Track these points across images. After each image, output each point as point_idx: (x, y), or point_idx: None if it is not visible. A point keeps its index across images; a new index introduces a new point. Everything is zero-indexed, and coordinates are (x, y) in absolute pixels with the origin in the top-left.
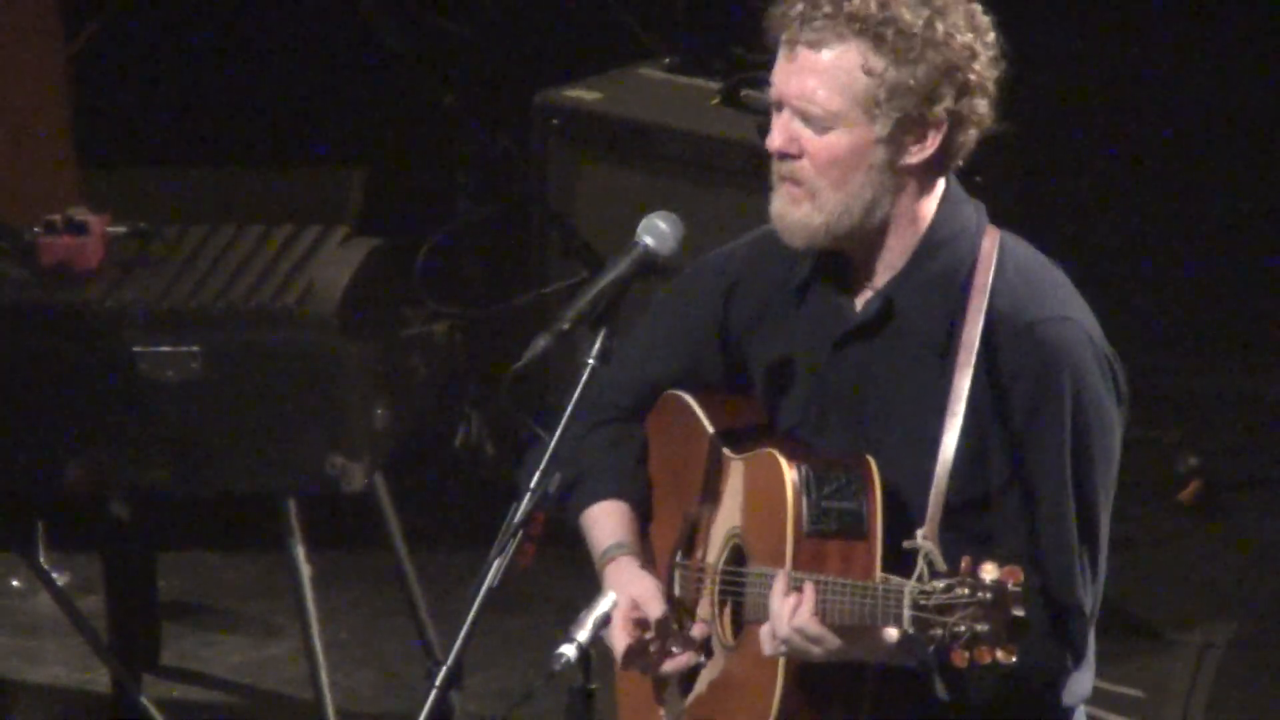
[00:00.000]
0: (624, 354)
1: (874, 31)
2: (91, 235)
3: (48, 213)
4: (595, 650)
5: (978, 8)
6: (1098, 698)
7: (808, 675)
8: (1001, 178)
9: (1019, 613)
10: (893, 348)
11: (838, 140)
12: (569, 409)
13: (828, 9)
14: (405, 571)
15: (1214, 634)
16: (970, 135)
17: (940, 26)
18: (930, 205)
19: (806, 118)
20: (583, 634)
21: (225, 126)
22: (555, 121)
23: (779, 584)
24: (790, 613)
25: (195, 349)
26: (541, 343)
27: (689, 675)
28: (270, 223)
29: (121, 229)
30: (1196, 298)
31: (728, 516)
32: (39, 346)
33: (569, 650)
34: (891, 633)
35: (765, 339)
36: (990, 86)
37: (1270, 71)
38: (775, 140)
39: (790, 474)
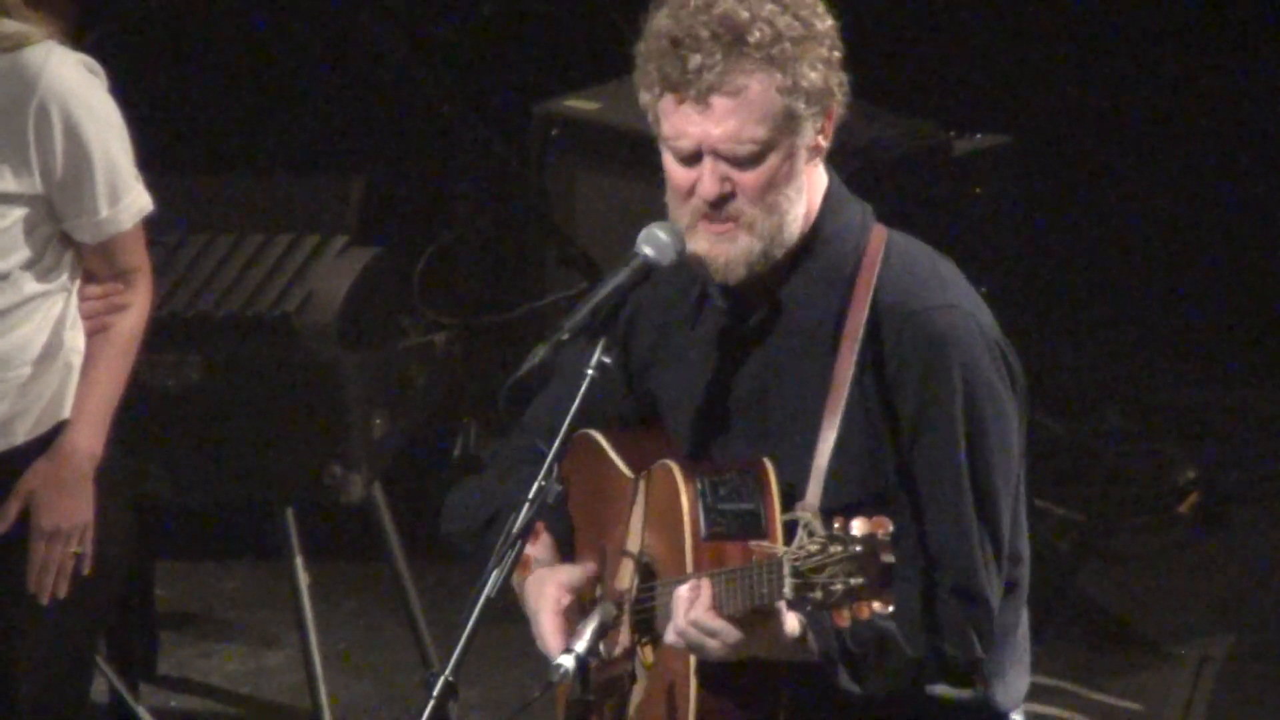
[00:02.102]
0: (542, 397)
1: (771, 53)
2: None
3: None
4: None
5: None
6: (1097, 710)
7: (721, 682)
8: (1001, 189)
9: (888, 559)
10: (785, 347)
11: (770, 165)
12: (569, 418)
13: (720, 53)
14: (403, 581)
15: (1212, 647)
16: (843, 111)
17: (814, 22)
18: (816, 198)
19: (736, 158)
20: (580, 645)
21: (224, 135)
22: (554, 131)
23: (681, 587)
24: (686, 606)
25: (194, 357)
26: (540, 352)
27: (620, 704)
28: (269, 232)
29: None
30: (1196, 310)
31: (635, 537)
32: None
33: (567, 661)
34: (791, 623)
35: (667, 363)
36: (840, 49)
37: (1278, 81)
38: (709, 190)
39: (683, 481)
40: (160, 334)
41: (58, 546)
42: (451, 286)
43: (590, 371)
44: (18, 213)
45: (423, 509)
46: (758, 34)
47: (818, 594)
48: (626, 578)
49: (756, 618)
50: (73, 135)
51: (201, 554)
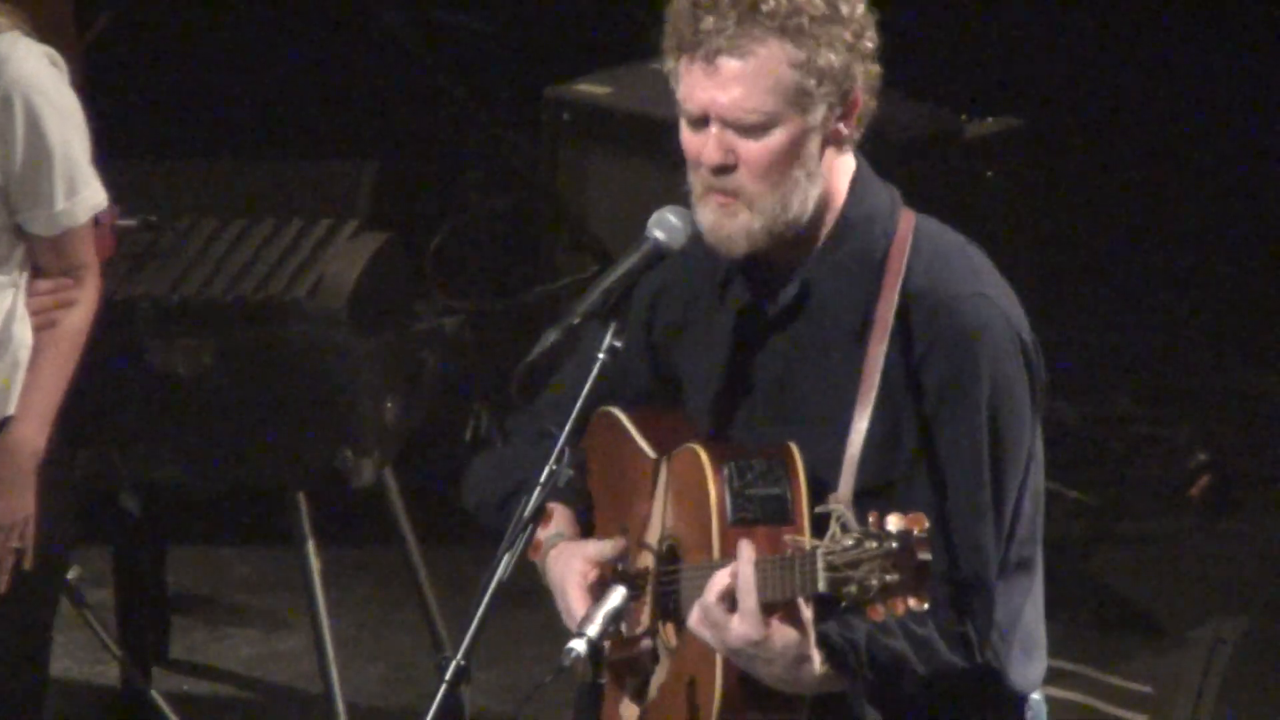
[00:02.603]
0: (559, 377)
1: (790, 25)
2: (102, 228)
3: None
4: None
5: None
6: (1109, 693)
7: (746, 676)
8: (1012, 172)
9: (925, 556)
10: (812, 332)
11: (774, 141)
12: (579, 403)
13: (736, 15)
14: (415, 565)
15: (1224, 630)
16: (872, 104)
17: (838, 4)
18: (843, 184)
19: (741, 127)
20: (593, 629)
21: (235, 119)
22: (565, 115)
23: (720, 572)
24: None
25: (206, 342)
26: (551, 337)
27: (643, 684)
28: (281, 216)
29: (132, 222)
30: (1206, 294)
31: (659, 519)
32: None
33: (579, 645)
34: (816, 663)
35: (692, 342)
36: (876, 43)
37: None
38: (711, 156)
39: (710, 465)
40: (172, 319)
41: None
42: (463, 271)
43: (601, 355)
44: None
45: (434, 493)
46: (774, 3)
47: (852, 588)
48: (648, 558)
49: (782, 618)
50: (34, 126)
51: (213, 539)
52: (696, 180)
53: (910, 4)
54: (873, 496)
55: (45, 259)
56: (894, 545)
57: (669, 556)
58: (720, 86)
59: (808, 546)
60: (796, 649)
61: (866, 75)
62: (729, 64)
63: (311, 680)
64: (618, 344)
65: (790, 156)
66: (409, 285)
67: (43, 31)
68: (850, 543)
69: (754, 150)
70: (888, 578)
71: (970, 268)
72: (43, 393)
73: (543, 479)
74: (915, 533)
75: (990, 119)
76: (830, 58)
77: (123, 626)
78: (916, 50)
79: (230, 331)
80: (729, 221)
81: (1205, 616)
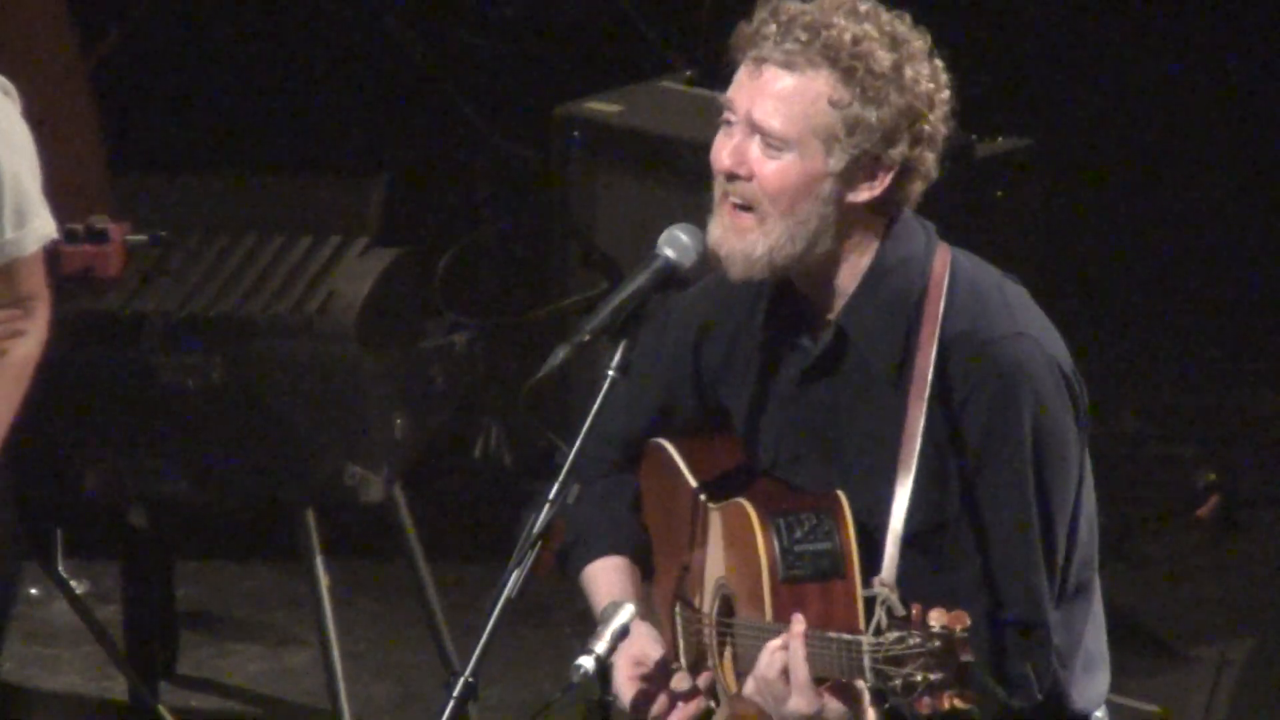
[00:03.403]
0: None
1: (845, 64)
2: (112, 243)
3: (76, 220)
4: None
5: (940, 65)
6: (1116, 712)
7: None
8: (1023, 194)
9: (966, 658)
10: (852, 379)
11: (790, 166)
12: (589, 420)
13: (802, 35)
14: (423, 582)
15: (1232, 649)
16: (916, 187)
17: (908, 71)
18: (878, 229)
19: (762, 135)
20: (601, 646)
21: (245, 136)
22: (576, 134)
23: (773, 641)
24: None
25: (215, 358)
26: (561, 354)
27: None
28: (290, 232)
29: (142, 237)
30: (1216, 313)
31: (714, 566)
32: (58, 354)
33: (587, 662)
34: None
35: (736, 381)
36: (940, 141)
37: None
38: (724, 159)
39: (759, 523)
40: (181, 334)
41: None
42: (473, 287)
43: (611, 373)
44: None
45: (443, 510)
46: (839, 38)
47: (897, 683)
48: (707, 602)
49: (834, 689)
50: None
51: (221, 554)
52: (716, 187)
53: (929, 31)
54: (924, 538)
55: None
56: (936, 645)
57: (724, 607)
58: (759, 91)
59: (859, 641)
60: (850, 717)
61: (917, 156)
62: (774, 73)
63: (319, 697)
64: (629, 361)
65: (801, 190)
66: (418, 302)
67: (34, 45)
68: (893, 638)
69: (767, 168)
70: (931, 676)
71: (1006, 305)
72: None
73: (551, 496)
74: (957, 632)
75: (1000, 138)
76: (873, 114)
77: (130, 642)
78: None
79: (239, 347)
80: (735, 240)
81: (1213, 636)
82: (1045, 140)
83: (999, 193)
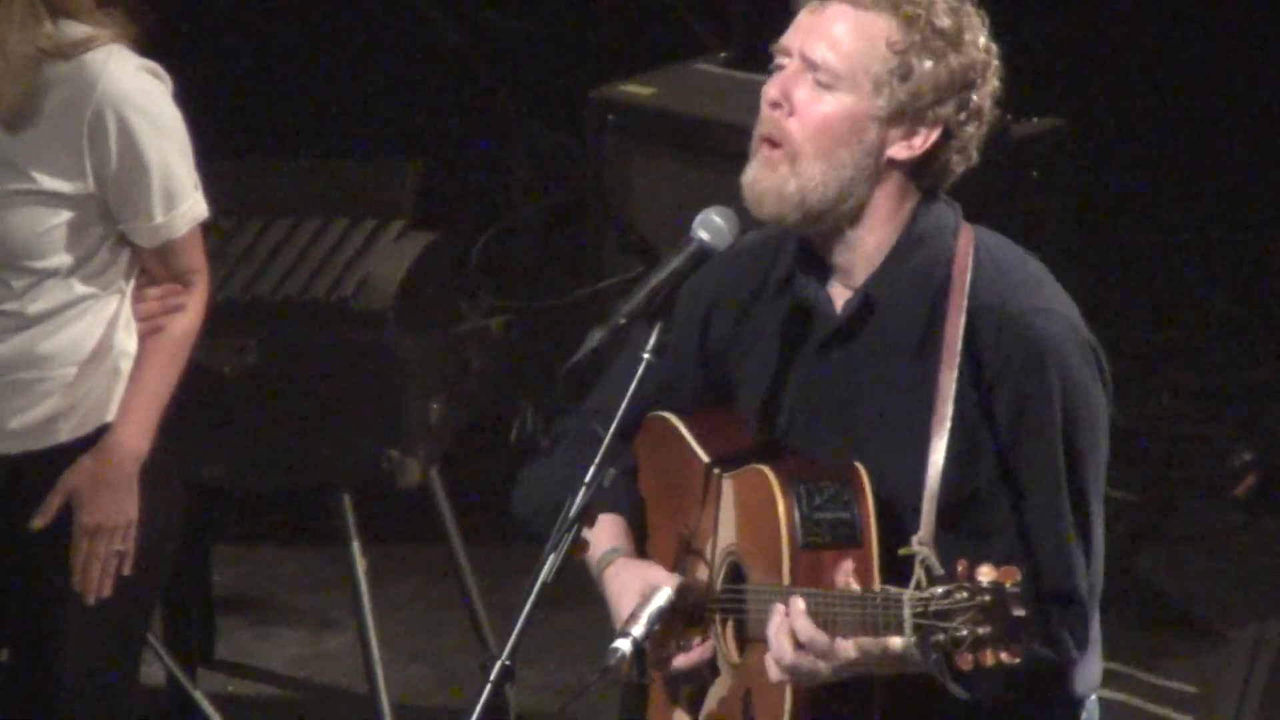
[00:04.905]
0: (607, 380)
1: (909, 12)
2: None
3: None
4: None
5: (995, 47)
6: (1152, 693)
7: (816, 691)
8: (1057, 173)
9: (1020, 612)
10: (875, 348)
11: (836, 103)
12: (624, 403)
13: None
14: (460, 565)
15: (1269, 630)
16: (955, 160)
17: (968, 36)
18: (908, 207)
19: (815, 67)
20: (637, 629)
21: (281, 120)
22: (611, 117)
23: (776, 617)
24: (791, 640)
25: (251, 342)
26: (597, 337)
27: (698, 694)
28: (326, 216)
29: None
30: (1251, 292)
31: (723, 535)
32: None
33: (624, 645)
34: (897, 641)
35: (746, 352)
36: (985, 119)
37: None
38: (771, 90)
39: (780, 489)
40: (218, 318)
41: (101, 543)
42: (508, 271)
43: (647, 355)
44: (68, 214)
45: (480, 493)
46: None
47: (941, 638)
48: (708, 571)
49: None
50: (128, 140)
51: (259, 538)
52: (756, 132)
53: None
54: (954, 511)
55: (152, 267)
56: (987, 599)
57: (732, 573)
58: (819, 26)
59: (901, 594)
60: (878, 656)
61: (958, 123)
62: (838, 9)
63: (357, 679)
64: (663, 344)
65: (842, 130)
66: (454, 285)
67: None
68: (939, 592)
69: (813, 103)
70: (980, 630)
71: (1032, 281)
72: (145, 397)
73: (588, 479)
74: (1008, 586)
75: (1035, 119)
76: (926, 65)
77: (168, 627)
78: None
79: (276, 331)
80: (767, 175)
81: (1250, 616)
82: (1078, 120)
83: (1034, 172)
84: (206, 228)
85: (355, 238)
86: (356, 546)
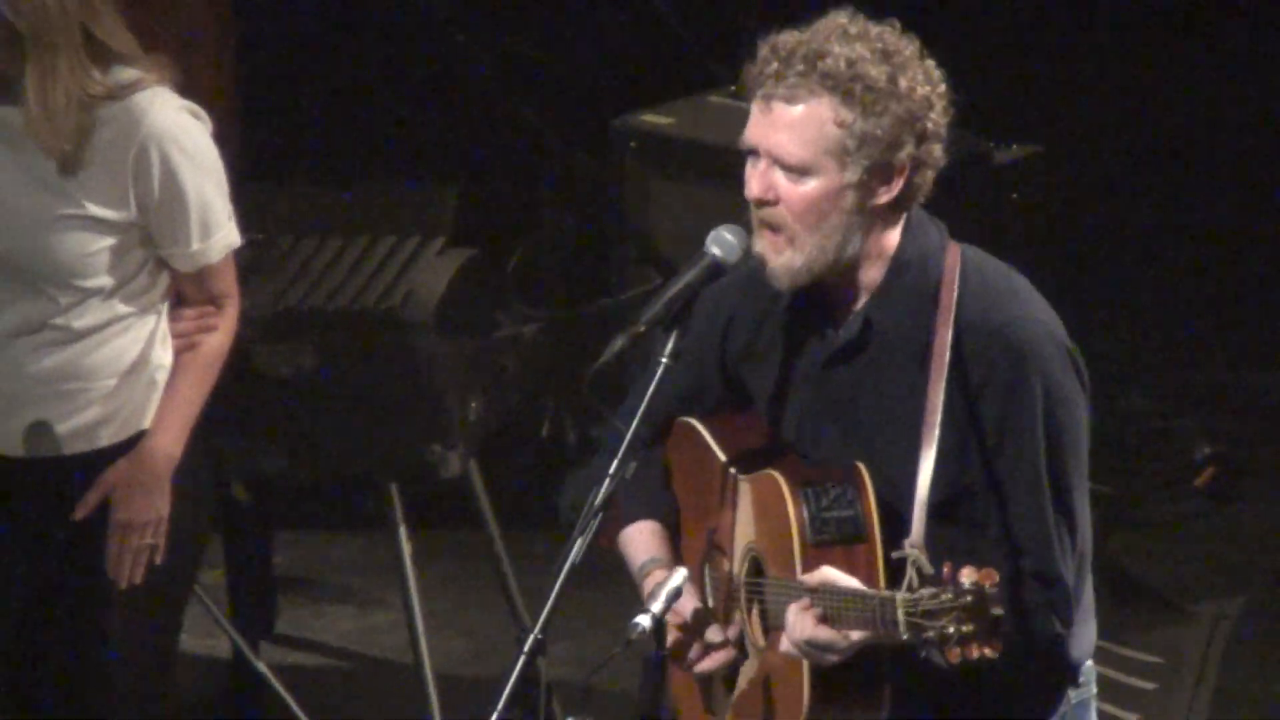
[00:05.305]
0: (634, 387)
1: (843, 88)
2: None
3: None
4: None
5: (931, 63)
6: (1121, 663)
7: (831, 673)
8: (1035, 195)
9: (998, 611)
10: (875, 363)
11: (813, 187)
12: (644, 402)
13: (800, 67)
14: (496, 549)
15: (1226, 606)
16: (928, 176)
17: (902, 81)
18: (896, 235)
19: (783, 166)
20: (656, 605)
21: (334, 148)
22: (632, 143)
23: (794, 605)
24: (801, 625)
25: (308, 347)
26: (619, 342)
27: (731, 674)
28: (375, 234)
29: (240, 240)
30: (1211, 302)
31: (744, 531)
32: None
33: (644, 620)
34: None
35: (760, 365)
36: (943, 132)
37: None
38: (753, 189)
39: (790, 493)
40: (277, 326)
41: (132, 537)
42: (539, 283)
43: (664, 359)
44: (113, 239)
45: (514, 484)
46: (834, 65)
47: (931, 634)
48: (736, 564)
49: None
50: (168, 174)
51: (315, 525)
52: (751, 212)
53: (948, 47)
54: (947, 506)
55: (188, 289)
56: (969, 600)
57: (754, 566)
58: (771, 126)
59: (893, 597)
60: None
61: (924, 152)
62: (782, 109)
63: (403, 652)
64: (679, 349)
65: (825, 205)
66: (490, 296)
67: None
68: (927, 594)
69: (793, 192)
70: (964, 629)
71: (1013, 291)
72: (179, 406)
73: (611, 471)
74: (988, 588)
75: (1015, 146)
76: (876, 125)
77: (233, 604)
78: (948, 83)
79: (330, 337)
80: (775, 257)
81: (1209, 593)
82: (1054, 147)
83: (1013, 194)
84: (261, 245)
85: (401, 253)
86: (403, 532)
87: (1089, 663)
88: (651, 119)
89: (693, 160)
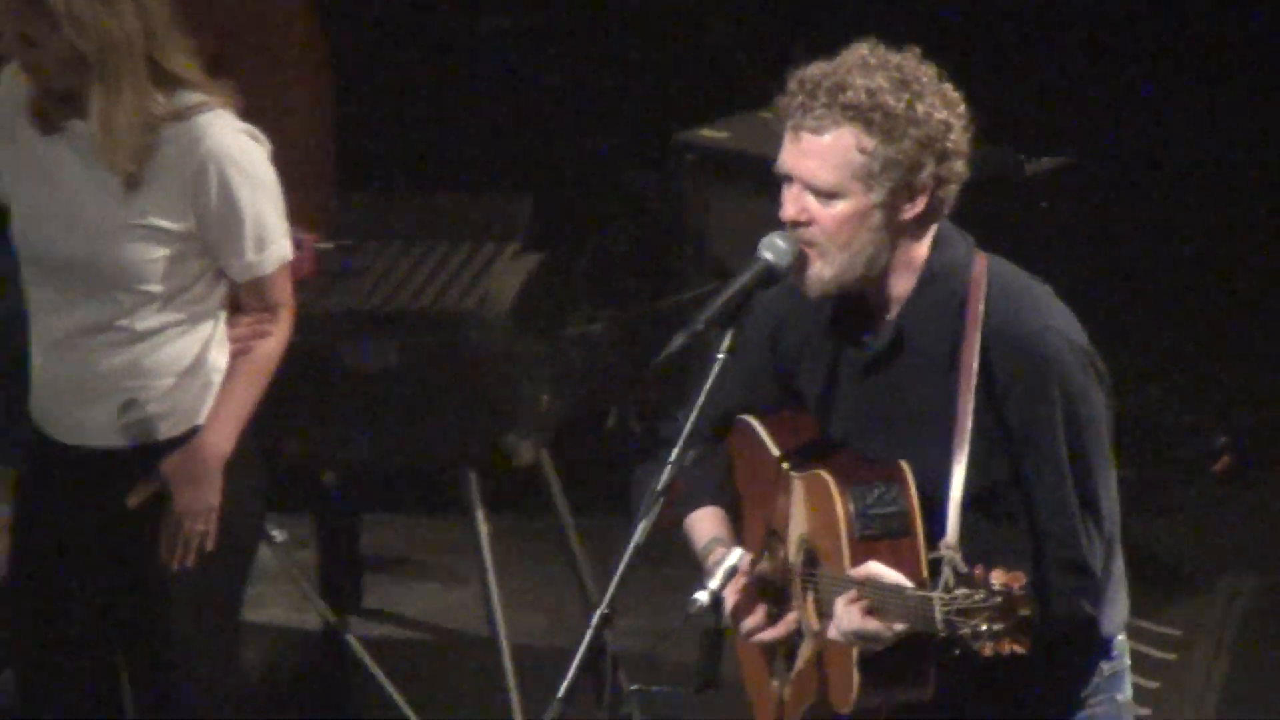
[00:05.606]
0: (696, 385)
1: (864, 117)
2: (304, 250)
3: (307, 231)
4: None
5: (949, 86)
6: (1142, 635)
7: (879, 657)
8: (1064, 205)
9: (1025, 612)
10: (908, 370)
11: (842, 209)
12: (701, 396)
13: (824, 99)
14: (567, 531)
15: (1242, 584)
16: (951, 190)
17: (919, 107)
18: (925, 248)
19: (814, 190)
20: (714, 582)
21: (417, 159)
22: (691, 156)
23: (842, 597)
24: (849, 617)
25: (391, 344)
26: (679, 340)
27: (790, 651)
28: (454, 240)
29: (328, 245)
30: (1229, 302)
31: (798, 524)
32: None
33: (702, 596)
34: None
35: (809, 370)
36: (965, 149)
37: None
38: (789, 211)
39: (838, 492)
40: (363, 325)
41: (184, 525)
42: (606, 286)
43: (720, 355)
44: (173, 248)
45: (583, 470)
46: (855, 96)
47: (965, 631)
48: (793, 553)
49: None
50: (225, 190)
51: (399, 508)
52: (793, 234)
53: (980, 60)
54: (980, 502)
55: (245, 298)
56: (999, 600)
57: (809, 558)
58: (801, 154)
59: (930, 596)
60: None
61: (945, 169)
62: (809, 139)
63: (481, 626)
64: (735, 345)
65: (854, 224)
66: (560, 297)
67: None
68: (961, 594)
69: (824, 213)
70: (994, 627)
71: (1035, 302)
72: (232, 405)
73: (671, 458)
74: (1016, 590)
75: (1046, 158)
76: (897, 150)
77: (324, 581)
78: (983, 99)
79: (412, 335)
80: (808, 270)
81: (1225, 572)
82: (1085, 159)
83: (1044, 204)
84: (347, 250)
85: (479, 258)
86: (480, 515)
87: (1121, 636)
88: (709, 133)
89: (746, 171)
